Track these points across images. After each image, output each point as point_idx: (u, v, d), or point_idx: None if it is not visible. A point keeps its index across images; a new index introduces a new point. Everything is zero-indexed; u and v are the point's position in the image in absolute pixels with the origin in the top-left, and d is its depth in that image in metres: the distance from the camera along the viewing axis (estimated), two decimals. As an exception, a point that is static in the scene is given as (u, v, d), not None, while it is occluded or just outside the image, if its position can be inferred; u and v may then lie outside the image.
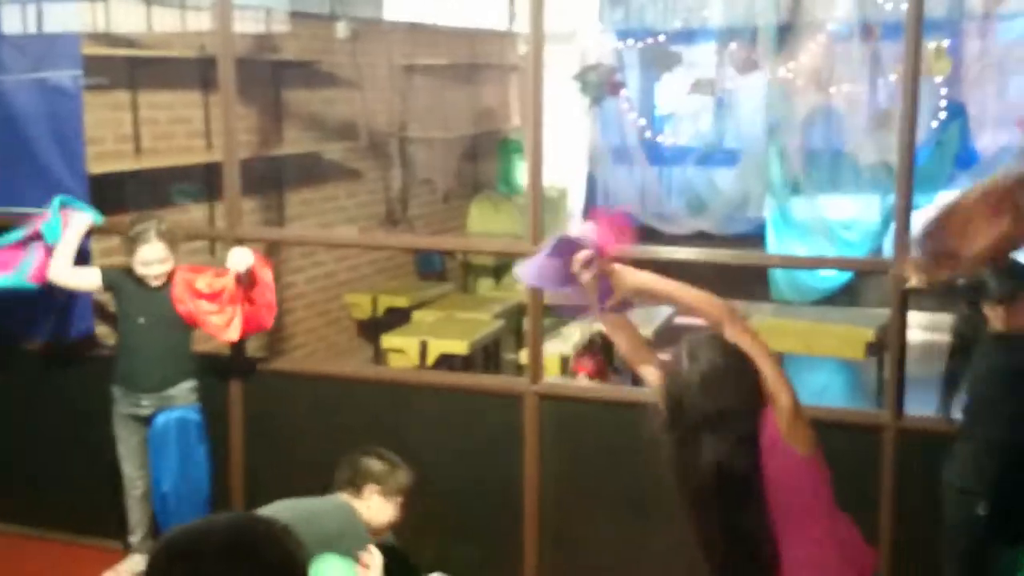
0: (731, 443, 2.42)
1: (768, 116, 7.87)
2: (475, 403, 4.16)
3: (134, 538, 4.30)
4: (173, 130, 5.49)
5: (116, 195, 5.02)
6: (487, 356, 6.30)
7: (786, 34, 7.70)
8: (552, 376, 5.04)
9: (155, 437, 4.14)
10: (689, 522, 2.54)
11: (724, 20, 7.93)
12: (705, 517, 2.50)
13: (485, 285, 7.46)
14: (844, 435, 3.53)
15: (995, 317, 3.28)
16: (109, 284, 4.25)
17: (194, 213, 5.64)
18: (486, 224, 7.62)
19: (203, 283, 4.13)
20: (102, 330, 4.99)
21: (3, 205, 4.53)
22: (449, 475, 4.05)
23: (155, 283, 4.14)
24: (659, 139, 8.21)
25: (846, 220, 7.83)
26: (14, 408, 4.70)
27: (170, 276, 4.14)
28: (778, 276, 7.75)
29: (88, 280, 4.28)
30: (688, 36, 8.20)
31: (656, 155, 8.27)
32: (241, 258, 4.05)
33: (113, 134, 5.16)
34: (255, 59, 5.82)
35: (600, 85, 7.65)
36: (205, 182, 5.51)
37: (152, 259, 4.11)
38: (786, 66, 7.71)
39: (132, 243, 4.15)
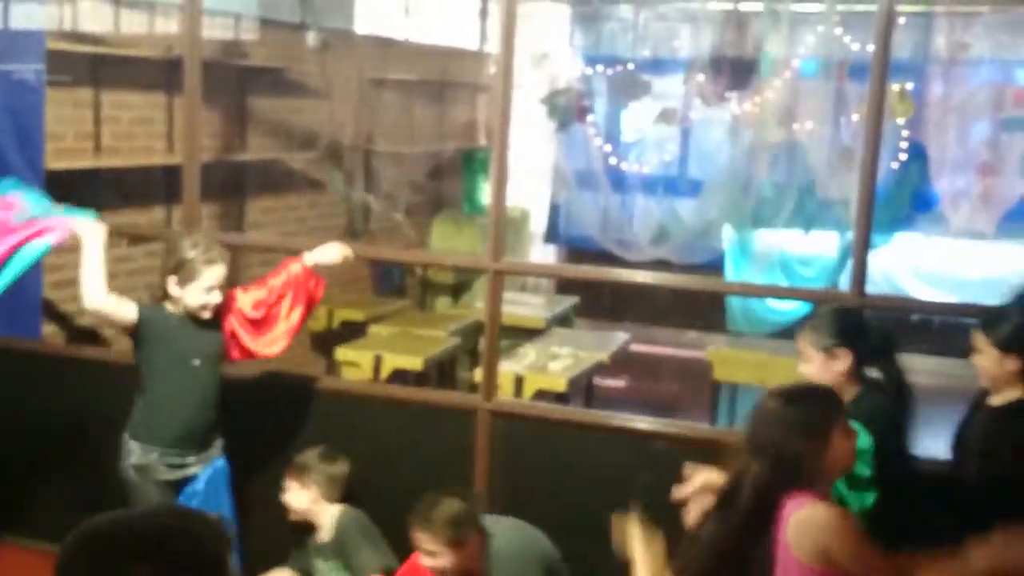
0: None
1: (732, 149, 7.93)
2: (428, 418, 4.14)
3: None
4: (135, 130, 5.44)
5: (73, 193, 4.95)
6: (442, 373, 6.27)
7: (753, 69, 7.78)
8: (506, 395, 5.03)
9: (197, 496, 3.59)
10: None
11: (692, 51, 7.99)
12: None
13: (443, 303, 7.44)
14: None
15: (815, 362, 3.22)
16: (146, 320, 3.57)
17: (155, 215, 5.58)
18: (448, 242, 7.60)
19: (247, 302, 3.70)
20: (50, 330, 4.92)
21: (-45, 195, 4.45)
22: (398, 488, 4.01)
23: (207, 315, 3.58)
24: (623, 166, 8.24)
25: (804, 255, 7.90)
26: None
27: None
28: (735, 307, 7.80)
29: (124, 312, 3.57)
30: (657, 65, 8.26)
31: (620, 182, 8.31)
32: (333, 251, 3.74)
33: (74, 131, 5.10)
34: (222, 63, 5.78)
35: (568, 109, 7.68)
36: (165, 185, 5.45)
37: (216, 285, 3.56)
38: (752, 100, 7.79)
39: (187, 266, 3.51)
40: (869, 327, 3.30)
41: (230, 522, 3.63)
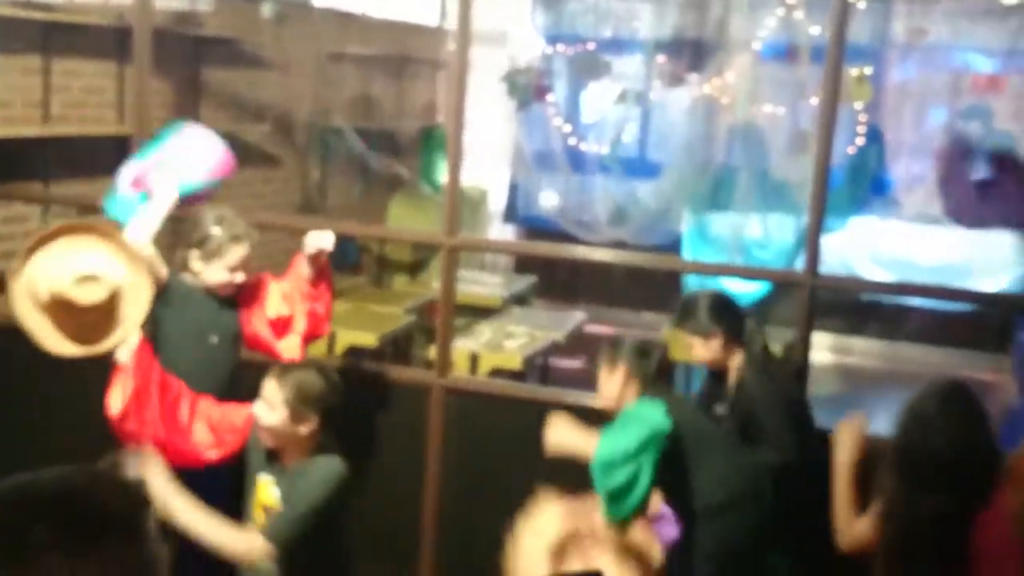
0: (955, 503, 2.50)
1: (691, 131, 7.93)
2: (382, 394, 4.10)
3: None
4: (85, 99, 5.33)
5: (20, 161, 4.85)
6: (397, 351, 6.22)
7: (713, 51, 7.78)
8: (462, 372, 5.00)
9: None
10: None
11: (653, 32, 7.97)
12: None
13: (400, 281, 7.38)
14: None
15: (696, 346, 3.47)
16: (173, 285, 3.39)
17: (104, 185, 5.47)
18: (405, 221, 7.53)
19: (272, 309, 3.48)
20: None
21: None
22: (351, 464, 3.97)
23: (228, 292, 3.42)
24: (583, 146, 8.21)
25: (760, 239, 7.93)
26: None
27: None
28: (691, 290, 7.81)
29: (159, 266, 3.33)
30: (617, 46, 8.23)
31: (579, 162, 8.28)
32: (321, 239, 3.43)
33: (22, 99, 4.99)
34: (175, 32, 5.68)
35: (528, 88, 7.64)
36: (116, 155, 5.35)
37: (240, 264, 3.39)
38: (711, 82, 7.79)
39: (211, 242, 3.35)
40: (734, 306, 3.54)
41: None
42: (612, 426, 3.09)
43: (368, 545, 3.98)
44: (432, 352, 4.72)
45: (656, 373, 3.22)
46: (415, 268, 7.42)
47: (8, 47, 4.72)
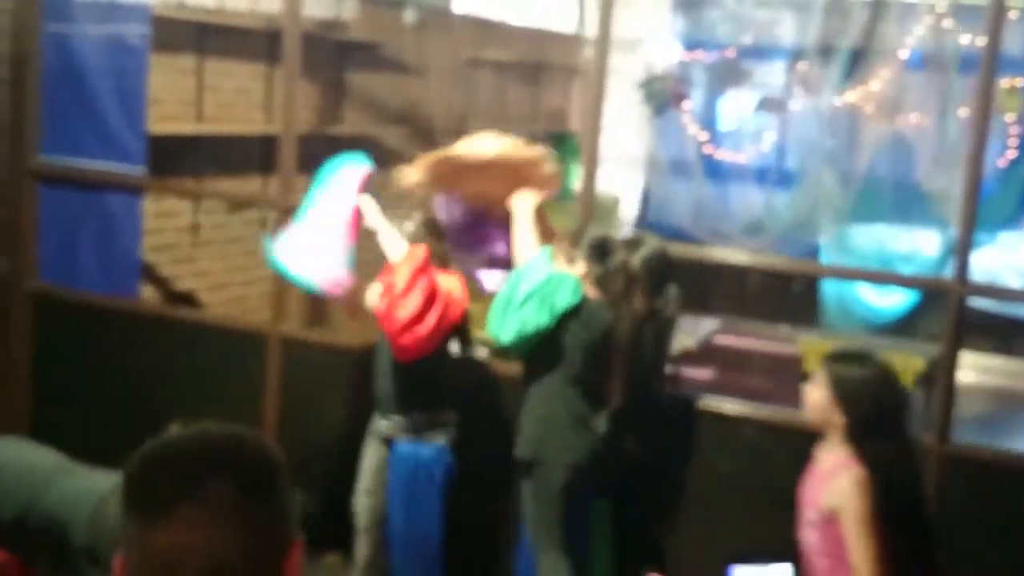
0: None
1: (833, 140, 7.74)
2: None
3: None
4: (235, 99, 5.51)
5: (174, 158, 5.04)
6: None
7: (858, 59, 7.58)
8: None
9: (391, 468, 3.62)
10: None
11: (796, 40, 7.82)
12: None
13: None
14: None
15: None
16: None
17: (251, 184, 5.66)
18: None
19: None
20: (148, 292, 5.02)
21: (59, 154, 4.57)
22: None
23: None
24: (719, 155, 8.10)
25: (905, 252, 7.68)
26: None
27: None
28: (830, 302, 7.62)
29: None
30: (758, 53, 8.09)
31: (714, 171, 8.17)
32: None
33: (177, 98, 5.19)
34: (321, 37, 5.84)
35: (664, 95, 7.57)
36: (262, 154, 5.52)
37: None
38: (855, 91, 7.59)
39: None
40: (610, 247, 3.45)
41: (433, 525, 3.55)
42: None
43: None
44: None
45: (613, 275, 3.31)
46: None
47: (165, 47, 4.91)
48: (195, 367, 4.41)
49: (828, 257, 7.77)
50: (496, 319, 3.33)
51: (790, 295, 7.25)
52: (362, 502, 3.69)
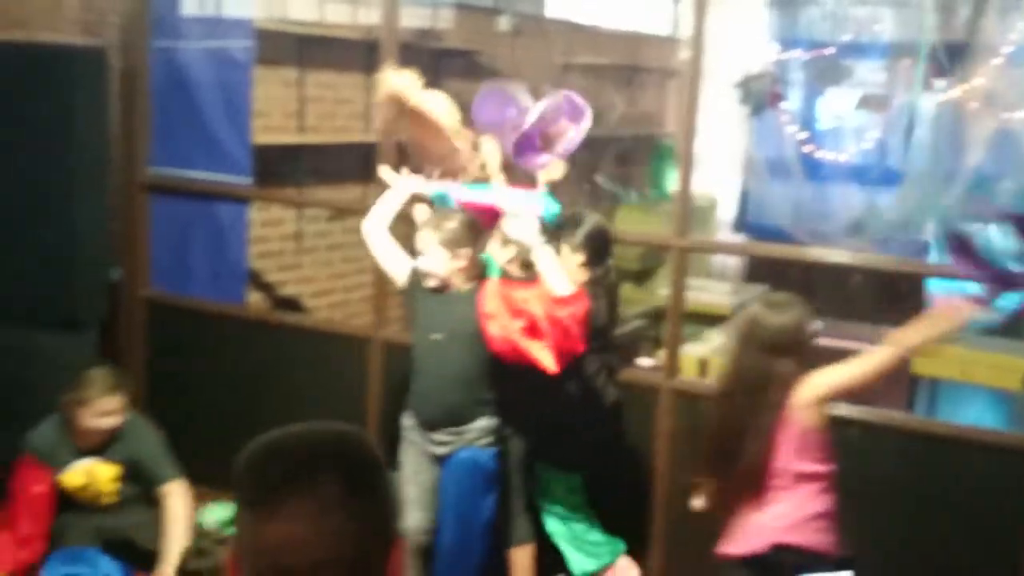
0: None
1: (937, 137, 7.55)
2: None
3: None
4: (336, 110, 5.64)
5: (276, 168, 5.18)
6: (622, 356, 6.22)
7: (961, 54, 7.38)
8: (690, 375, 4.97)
9: (445, 478, 3.45)
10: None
11: (896, 36, 7.65)
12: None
13: (627, 288, 7.39)
14: (994, 457, 3.37)
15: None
16: (411, 285, 3.53)
17: (352, 192, 5.78)
18: (632, 227, 7.55)
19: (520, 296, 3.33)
20: (255, 298, 5.16)
21: (169, 166, 4.73)
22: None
23: (432, 283, 3.44)
24: (818, 154, 7.96)
25: (1015, 251, 7.44)
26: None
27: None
28: (935, 298, 7.42)
29: (395, 262, 3.58)
30: (858, 50, 7.95)
31: (814, 170, 8.03)
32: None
33: (280, 109, 5.33)
34: (418, 46, 5.93)
35: (761, 94, 7.49)
36: (362, 163, 5.64)
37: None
38: (959, 87, 7.39)
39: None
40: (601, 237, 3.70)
41: (482, 528, 3.45)
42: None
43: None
44: (660, 357, 4.72)
45: (581, 243, 3.57)
46: (641, 277, 7.41)
47: (268, 60, 5.05)
48: (299, 370, 4.53)
49: (935, 256, 7.58)
50: None
51: (894, 295, 7.09)
52: (421, 525, 3.51)
